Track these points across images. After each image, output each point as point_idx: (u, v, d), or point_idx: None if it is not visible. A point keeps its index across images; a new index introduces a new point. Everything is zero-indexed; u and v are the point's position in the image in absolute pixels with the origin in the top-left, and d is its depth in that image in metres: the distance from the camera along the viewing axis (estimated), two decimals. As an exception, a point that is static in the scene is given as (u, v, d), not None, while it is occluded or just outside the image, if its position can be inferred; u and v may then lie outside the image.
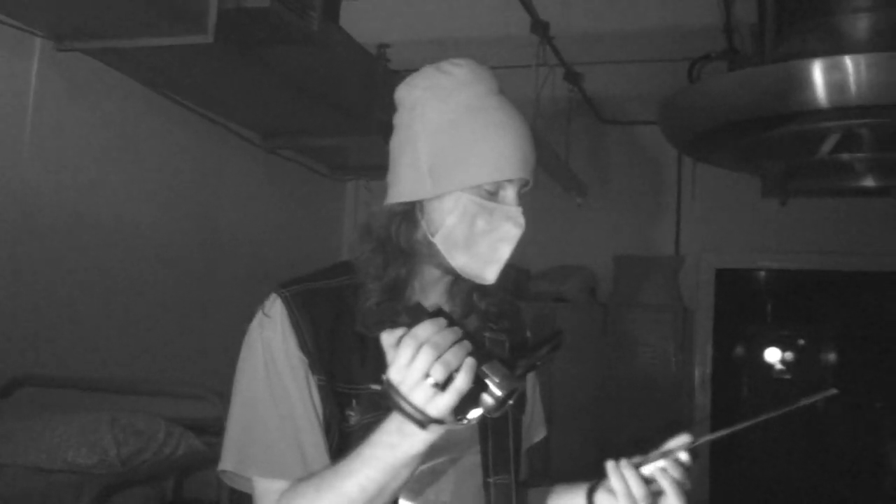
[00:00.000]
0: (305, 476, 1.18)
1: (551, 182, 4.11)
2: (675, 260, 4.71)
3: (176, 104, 3.23)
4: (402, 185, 1.26)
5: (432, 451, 1.21)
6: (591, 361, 4.47)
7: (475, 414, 1.08)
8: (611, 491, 1.30)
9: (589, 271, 4.68)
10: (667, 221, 4.85)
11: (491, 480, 1.33)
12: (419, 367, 1.03)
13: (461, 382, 1.04)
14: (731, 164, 3.18)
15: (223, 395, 2.36)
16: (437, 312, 1.08)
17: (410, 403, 1.04)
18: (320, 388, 1.21)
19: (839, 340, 6.44)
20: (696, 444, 1.26)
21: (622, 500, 1.27)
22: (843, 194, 4.38)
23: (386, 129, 1.33)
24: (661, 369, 4.46)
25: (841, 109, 2.40)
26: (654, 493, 1.26)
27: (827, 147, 2.54)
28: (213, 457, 2.47)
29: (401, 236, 1.25)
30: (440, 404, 1.04)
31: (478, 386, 1.06)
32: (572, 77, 4.32)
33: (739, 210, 4.73)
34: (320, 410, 1.21)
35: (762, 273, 5.94)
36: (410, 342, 1.04)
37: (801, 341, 6.41)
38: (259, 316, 1.25)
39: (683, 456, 1.26)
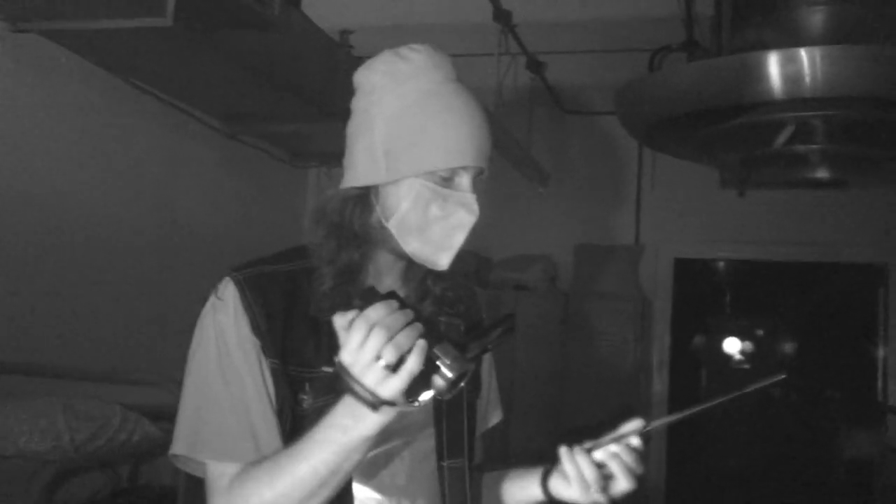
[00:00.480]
0: (258, 459, 1.18)
1: (513, 171, 4.12)
2: (635, 249, 4.76)
3: (135, 88, 3.20)
4: (358, 170, 1.26)
5: (386, 435, 1.22)
6: (551, 349, 4.51)
7: (427, 396, 1.09)
8: (564, 475, 1.32)
9: (550, 260, 4.71)
10: (627, 211, 4.89)
11: (445, 464, 1.34)
12: (371, 349, 1.03)
13: (412, 364, 1.04)
14: (689, 154, 3.22)
15: (180, 382, 2.35)
16: (389, 295, 1.09)
17: (362, 385, 1.05)
18: (273, 372, 1.21)
19: (796, 331, 6.53)
20: (648, 428, 1.28)
21: (574, 485, 1.29)
22: (800, 186, 4.44)
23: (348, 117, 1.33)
24: (620, 358, 4.50)
25: (796, 101, 2.44)
26: (606, 477, 1.28)
27: (782, 138, 2.58)
28: (169, 443, 2.46)
29: (355, 221, 1.25)
30: (391, 386, 1.04)
31: (429, 368, 1.07)
32: (534, 66, 4.33)
33: (698, 200, 4.78)
34: (273, 394, 1.21)
35: (721, 263, 6.01)
36: (362, 324, 1.04)
37: (760, 331, 6.50)
38: (212, 299, 1.24)
39: (635, 440, 1.28)
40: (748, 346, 6.68)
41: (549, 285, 4.69)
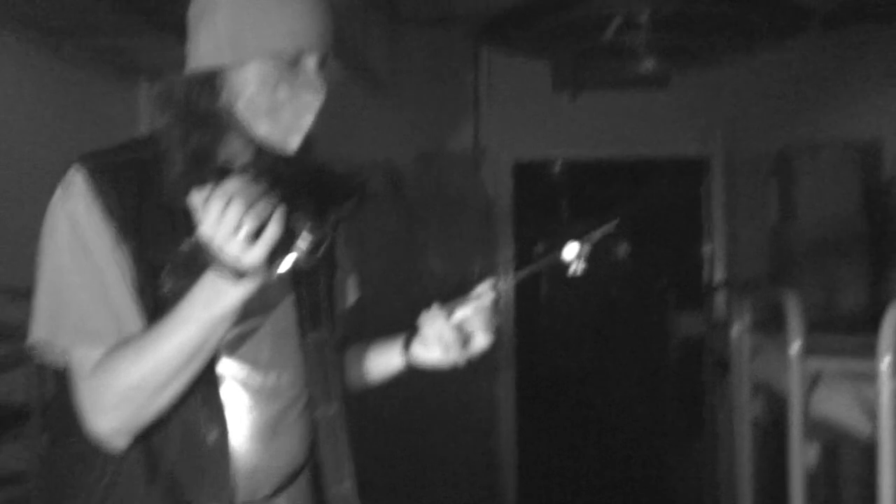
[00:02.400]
0: (121, 342, 1.19)
1: (349, 77, 4.09)
2: (475, 153, 4.86)
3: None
4: (201, 52, 1.26)
5: (248, 313, 1.25)
6: (398, 259, 4.59)
7: (287, 264, 1.12)
8: (424, 340, 1.39)
9: (393, 165, 4.74)
10: (465, 116, 4.97)
11: (307, 338, 1.39)
12: (230, 219, 1.06)
13: (272, 232, 1.07)
14: (522, 50, 3.29)
15: (15, 294, 2.27)
16: (243, 168, 1.11)
17: (224, 257, 1.07)
18: (130, 255, 1.21)
19: (631, 229, 6.86)
20: (498, 286, 1.36)
21: (435, 347, 1.36)
22: (627, 85, 4.64)
23: (182, 28, 1.32)
24: (465, 266, 4.63)
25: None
26: (465, 338, 1.37)
27: (611, 31, 2.68)
28: (14, 361, 2.40)
29: (202, 103, 1.25)
30: (253, 255, 1.07)
31: (288, 236, 1.11)
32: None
33: (534, 105, 4.91)
34: (132, 277, 1.22)
35: (557, 168, 6.22)
36: (220, 196, 1.06)
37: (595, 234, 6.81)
38: (60, 188, 1.22)
39: (487, 298, 1.36)
40: (585, 249, 6.99)
41: (392, 193, 4.73)
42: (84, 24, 3.43)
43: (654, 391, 5.98)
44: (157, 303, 1.22)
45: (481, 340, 1.36)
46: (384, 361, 1.51)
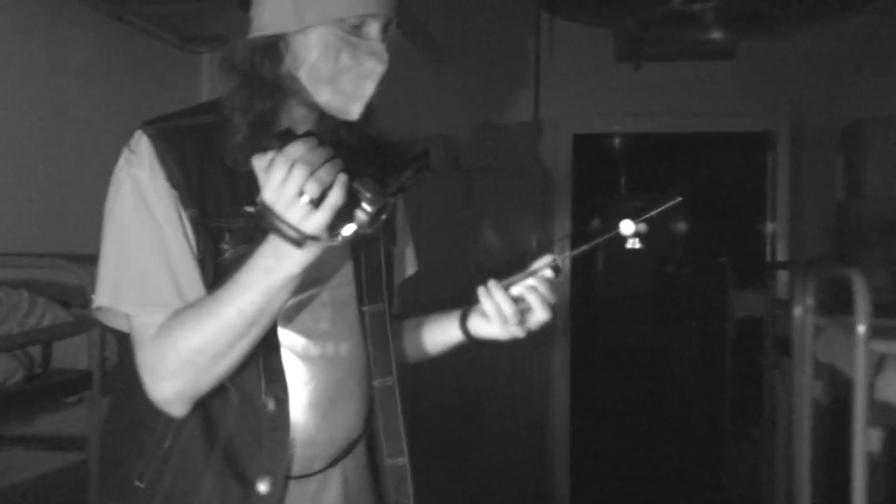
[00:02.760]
0: (183, 307, 1.20)
1: (408, 47, 4.06)
2: (534, 125, 4.81)
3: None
4: (265, 19, 1.25)
5: (308, 281, 1.25)
6: (456, 229, 4.57)
7: (349, 230, 1.11)
8: (483, 313, 1.37)
9: (451, 138, 4.72)
10: (525, 87, 4.91)
11: (365, 309, 1.38)
12: (293, 185, 1.05)
13: (335, 198, 1.06)
14: (586, 17, 3.22)
15: (79, 260, 2.32)
16: (307, 133, 1.10)
17: (286, 222, 1.06)
18: (192, 222, 1.22)
19: (690, 205, 6.75)
20: (558, 261, 1.34)
21: (494, 320, 1.35)
22: (692, 57, 4.54)
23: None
24: (524, 238, 4.58)
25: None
26: (524, 311, 1.35)
27: (677, -4, 2.62)
28: (80, 326, 2.45)
29: (265, 69, 1.25)
30: (315, 221, 1.06)
31: (351, 202, 1.09)
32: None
33: (595, 75, 4.83)
34: (194, 244, 1.22)
35: (617, 139, 6.13)
36: (283, 161, 1.05)
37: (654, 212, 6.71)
38: (125, 153, 1.23)
39: (548, 272, 1.34)
40: (642, 227, 6.90)
41: (451, 165, 4.71)
42: (147, -9, 3.45)
43: (712, 370, 5.90)
44: (218, 269, 1.23)
45: (540, 315, 1.34)
46: (442, 333, 1.50)
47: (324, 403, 1.31)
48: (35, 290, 2.36)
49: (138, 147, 1.22)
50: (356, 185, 1.09)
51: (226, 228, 1.24)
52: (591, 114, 4.90)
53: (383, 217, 1.13)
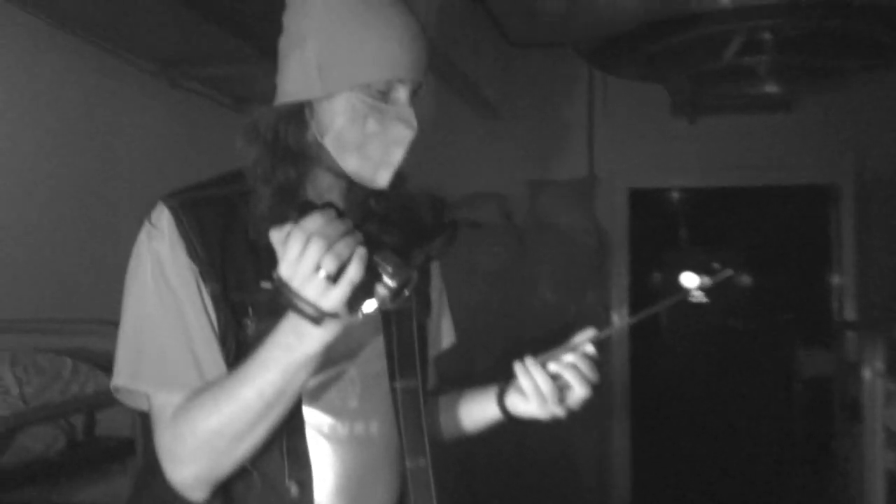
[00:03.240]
0: (202, 387, 1.15)
1: (461, 106, 4.05)
2: (589, 182, 4.73)
3: (66, 33, 3.06)
4: (290, 85, 1.22)
5: (335, 357, 1.19)
6: (508, 287, 4.49)
7: (371, 307, 1.05)
8: (521, 391, 1.30)
9: (504, 197, 4.67)
10: (579, 143, 4.85)
11: (397, 385, 1.31)
12: (309, 259, 1.00)
13: (353, 273, 1.01)
14: (638, 73, 3.17)
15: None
16: (326, 205, 1.05)
17: (303, 299, 1.01)
18: (213, 297, 1.17)
19: (751, 259, 6.58)
20: (600, 336, 1.27)
21: (532, 399, 1.27)
22: (749, 110, 4.45)
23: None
24: (578, 294, 4.48)
25: (743, 10, 2.40)
26: (563, 388, 1.27)
27: (731, 51, 2.55)
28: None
29: (289, 137, 1.21)
30: (333, 297, 1.01)
31: (372, 277, 1.04)
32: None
33: (650, 130, 4.76)
34: (214, 320, 1.17)
35: (675, 194, 6.01)
36: (299, 235, 1.00)
37: (716, 264, 6.56)
38: (146, 227, 1.20)
39: (589, 348, 1.26)
40: (705, 280, 6.74)
41: (504, 223, 4.66)
42: (200, 54, 3.49)
43: (778, 435, 5.68)
44: (242, 345, 1.18)
45: (579, 393, 1.26)
46: (479, 410, 1.43)
47: (352, 487, 1.24)
48: (79, 357, 2.34)
49: (159, 221, 1.18)
50: (377, 259, 1.04)
51: (249, 303, 1.19)
52: (647, 168, 4.82)
53: (406, 292, 1.07)
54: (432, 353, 1.47)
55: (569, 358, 1.26)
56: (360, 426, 1.26)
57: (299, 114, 1.21)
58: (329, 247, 1.00)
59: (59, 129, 3.08)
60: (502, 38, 4.70)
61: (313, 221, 1.01)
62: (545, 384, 1.25)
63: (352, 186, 1.26)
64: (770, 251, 6.18)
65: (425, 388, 1.36)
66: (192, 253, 1.17)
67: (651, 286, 5.94)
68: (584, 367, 1.26)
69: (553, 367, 1.26)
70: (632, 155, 4.79)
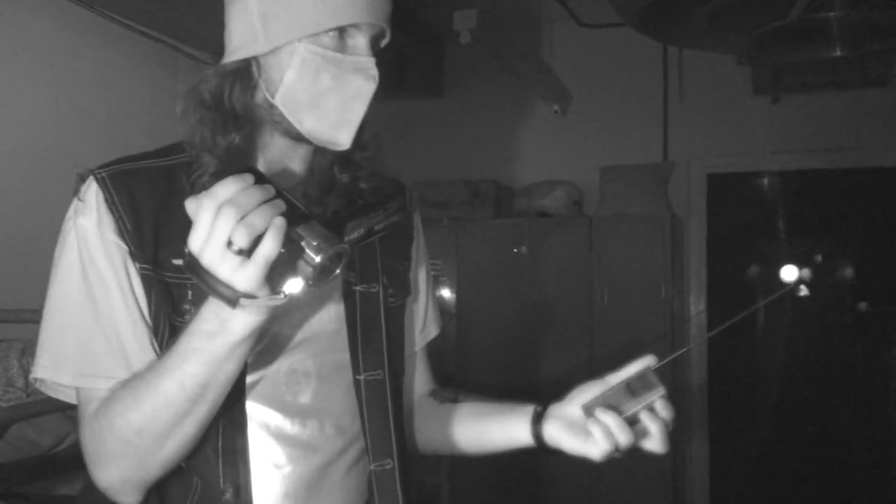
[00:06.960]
0: (127, 379, 1.02)
1: (530, 93, 3.90)
2: (664, 167, 4.48)
3: (119, 26, 3.01)
4: (233, 42, 1.09)
5: (286, 346, 1.06)
6: (579, 277, 4.29)
7: (295, 286, 0.91)
8: (567, 421, 1.14)
9: (573, 185, 4.47)
10: (654, 127, 4.61)
11: (361, 378, 1.16)
12: (220, 232, 0.86)
13: (268, 247, 0.86)
14: (696, 40, 2.92)
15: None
16: (246, 170, 0.91)
17: (214, 277, 0.87)
18: (144, 279, 1.04)
19: (853, 247, 6.17)
20: (660, 364, 1.10)
21: (599, 443, 1.10)
22: (837, 87, 4.13)
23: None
24: (652, 283, 4.23)
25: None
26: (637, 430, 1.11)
27: (799, 7, 2.30)
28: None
29: (234, 99, 1.07)
30: (248, 275, 0.86)
31: (294, 251, 0.89)
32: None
33: (729, 111, 4.47)
34: (145, 305, 1.04)
35: (760, 178, 5.68)
36: (209, 204, 0.86)
37: (818, 256, 6.19)
38: (74, 202, 1.07)
39: (659, 395, 1.10)
40: (806, 273, 6.34)
41: (573, 211, 4.45)
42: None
43: (878, 441, 5.29)
44: (175, 333, 1.04)
45: (653, 446, 1.10)
46: (502, 430, 1.23)
47: (302, 492, 1.10)
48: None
49: (87, 194, 1.06)
50: (299, 231, 0.89)
51: (187, 286, 1.05)
52: (726, 152, 4.54)
53: (338, 270, 0.92)
54: (418, 343, 1.32)
55: (641, 407, 1.09)
56: (314, 424, 1.11)
57: (246, 73, 1.08)
58: (241, 217, 0.86)
59: (113, 123, 3.04)
60: (572, 20, 4.50)
61: (225, 188, 0.87)
62: (624, 434, 1.08)
63: (316, 152, 1.12)
64: (868, 238, 5.78)
65: (397, 382, 1.20)
66: (121, 230, 1.04)
67: (748, 280, 5.61)
68: (667, 413, 1.10)
69: (626, 413, 1.09)
70: (710, 138, 4.52)
